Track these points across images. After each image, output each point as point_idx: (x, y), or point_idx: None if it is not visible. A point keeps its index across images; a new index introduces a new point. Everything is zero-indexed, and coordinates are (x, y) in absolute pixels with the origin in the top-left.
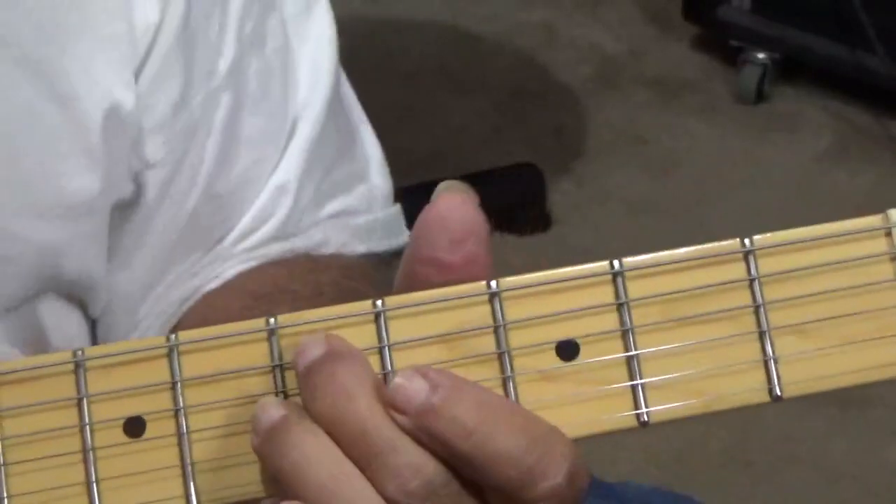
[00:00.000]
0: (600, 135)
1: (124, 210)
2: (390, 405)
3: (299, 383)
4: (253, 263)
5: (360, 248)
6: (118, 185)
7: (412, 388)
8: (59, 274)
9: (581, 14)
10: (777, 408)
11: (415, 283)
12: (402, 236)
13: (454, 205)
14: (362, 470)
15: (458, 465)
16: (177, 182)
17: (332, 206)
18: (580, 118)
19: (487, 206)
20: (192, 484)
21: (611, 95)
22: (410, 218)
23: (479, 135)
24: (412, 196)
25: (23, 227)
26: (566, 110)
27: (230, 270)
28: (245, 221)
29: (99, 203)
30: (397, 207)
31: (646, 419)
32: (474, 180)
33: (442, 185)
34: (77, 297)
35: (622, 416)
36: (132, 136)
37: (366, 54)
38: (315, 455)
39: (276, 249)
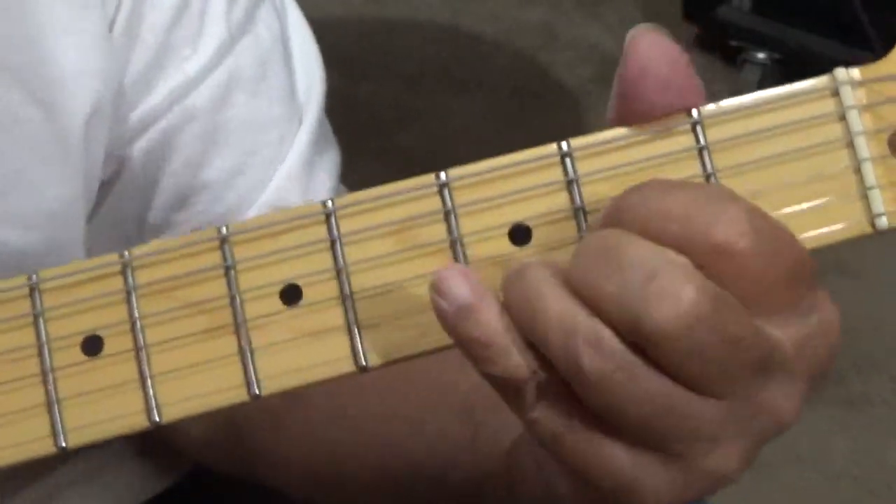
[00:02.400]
0: None
1: (106, 186)
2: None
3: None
4: None
5: None
6: (94, 179)
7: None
8: None
9: (581, 14)
10: None
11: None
12: None
13: (652, 48)
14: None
15: None
16: (154, 163)
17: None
18: (580, 118)
19: None
20: (152, 395)
21: (611, 95)
22: None
23: (479, 135)
24: None
25: None
26: (566, 110)
27: None
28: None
29: (78, 207)
30: None
31: None
32: None
33: (630, 33)
34: None
35: None
36: (108, 125)
37: (366, 54)
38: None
39: None
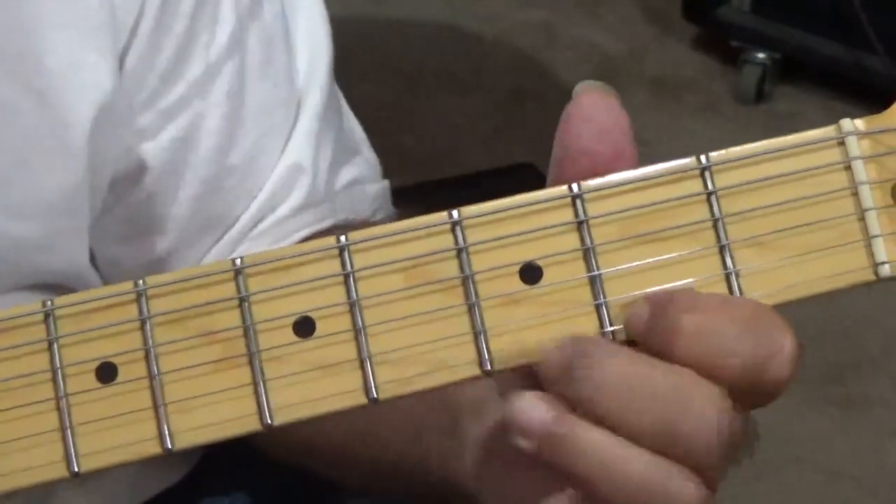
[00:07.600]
0: None
1: (128, 182)
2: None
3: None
4: (296, 237)
5: (373, 215)
6: (103, 173)
7: (637, 313)
8: (37, 270)
9: (581, 14)
10: (777, 407)
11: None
12: (391, 208)
13: (597, 100)
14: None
15: None
16: (181, 153)
17: (344, 176)
18: None
19: None
20: (165, 424)
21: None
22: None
23: (479, 135)
24: (410, 197)
25: None
26: None
27: (271, 246)
28: (266, 191)
29: (80, 198)
30: (387, 181)
31: (611, 338)
32: (474, 180)
33: (578, 86)
34: (60, 285)
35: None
36: (120, 119)
37: (366, 54)
38: (614, 453)
39: (308, 218)
